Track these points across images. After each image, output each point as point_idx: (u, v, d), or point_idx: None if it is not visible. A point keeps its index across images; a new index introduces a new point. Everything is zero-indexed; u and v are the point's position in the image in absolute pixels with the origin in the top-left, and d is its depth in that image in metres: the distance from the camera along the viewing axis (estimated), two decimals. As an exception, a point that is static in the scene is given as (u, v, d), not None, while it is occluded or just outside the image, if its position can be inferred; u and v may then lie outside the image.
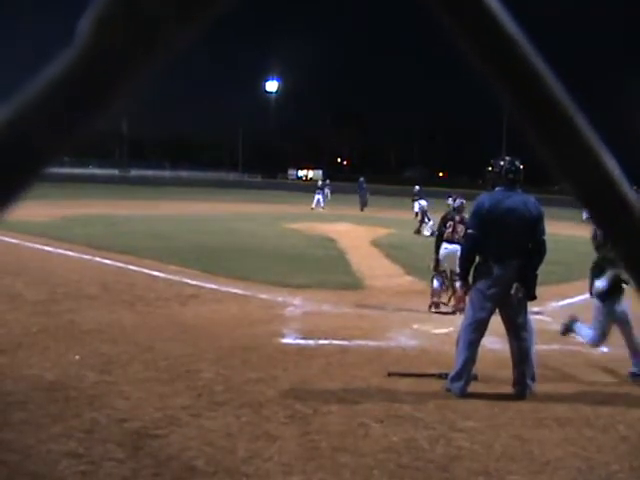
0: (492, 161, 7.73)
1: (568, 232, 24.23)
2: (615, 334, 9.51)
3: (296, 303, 11.87)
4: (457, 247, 11.31)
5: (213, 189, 67.06)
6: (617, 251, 0.59)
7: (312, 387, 7.38)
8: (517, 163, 7.51)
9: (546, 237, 7.45)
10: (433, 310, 11.65)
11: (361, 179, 46.04)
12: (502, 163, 7.55)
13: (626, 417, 6.82)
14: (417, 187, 35.59)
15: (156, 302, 11.45)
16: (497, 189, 7.52)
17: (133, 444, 5.64)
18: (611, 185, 0.57)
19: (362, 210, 41.87)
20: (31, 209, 16.43)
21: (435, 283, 11.86)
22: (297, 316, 10.97)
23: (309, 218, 31.94)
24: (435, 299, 11.78)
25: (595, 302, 8.17)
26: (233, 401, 6.78)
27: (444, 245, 11.90)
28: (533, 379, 7.40)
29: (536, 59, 0.54)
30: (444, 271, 11.93)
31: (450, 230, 11.97)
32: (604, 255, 7.87)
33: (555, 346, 9.45)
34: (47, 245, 17.84)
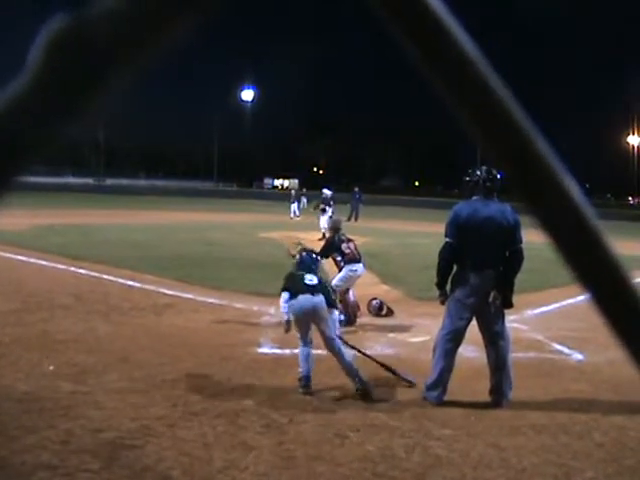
0: (469, 170, 7.75)
1: (543, 240, 24.35)
2: (595, 341, 9.60)
3: (272, 312, 11.82)
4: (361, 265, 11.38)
5: (188, 198, 66.82)
6: (580, 276, 0.59)
7: (288, 396, 7.36)
8: (494, 172, 7.53)
9: (523, 245, 7.46)
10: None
11: (356, 189, 45.47)
12: (479, 172, 7.57)
13: (601, 424, 6.86)
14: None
15: (131, 312, 11.39)
16: (474, 198, 7.55)
17: (108, 455, 5.59)
18: (573, 210, 0.56)
19: (356, 220, 41.39)
20: (4, 218, 16.27)
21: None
22: (273, 325, 10.92)
23: (285, 227, 31.89)
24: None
25: None
26: (209, 411, 6.75)
27: (353, 266, 11.31)
28: (510, 387, 7.42)
29: (492, 77, 0.54)
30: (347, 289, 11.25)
31: (352, 249, 11.49)
32: None
33: (531, 354, 9.50)
34: (20, 254, 17.66)
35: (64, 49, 0.47)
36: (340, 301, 10.92)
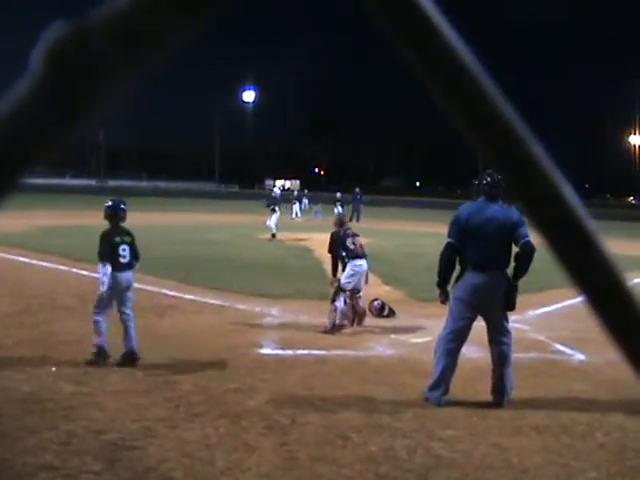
0: (482, 173, 7.77)
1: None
2: (597, 342, 9.58)
3: (274, 313, 11.84)
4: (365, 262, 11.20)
5: (190, 199, 66.73)
6: (575, 279, 0.59)
7: (290, 397, 7.35)
8: (498, 175, 7.54)
9: (531, 239, 7.26)
10: (333, 333, 10.56)
11: (357, 189, 45.39)
12: (485, 175, 7.60)
13: (603, 424, 6.85)
14: (339, 194, 42.10)
15: (133, 313, 11.36)
16: (479, 199, 7.59)
17: (110, 456, 5.59)
18: (567, 213, 0.56)
19: (357, 221, 41.39)
20: (5, 220, 16.27)
21: (341, 303, 10.82)
22: (275, 326, 10.95)
23: (286, 228, 31.79)
24: (340, 321, 10.71)
25: None
26: (211, 412, 6.75)
27: (357, 262, 11.08)
28: (511, 387, 7.42)
29: (484, 80, 0.54)
30: (354, 289, 11.05)
31: (357, 245, 11.33)
32: None
33: (533, 354, 9.49)
34: (22, 256, 17.67)
35: (64, 57, 0.47)
36: (352, 306, 10.96)
